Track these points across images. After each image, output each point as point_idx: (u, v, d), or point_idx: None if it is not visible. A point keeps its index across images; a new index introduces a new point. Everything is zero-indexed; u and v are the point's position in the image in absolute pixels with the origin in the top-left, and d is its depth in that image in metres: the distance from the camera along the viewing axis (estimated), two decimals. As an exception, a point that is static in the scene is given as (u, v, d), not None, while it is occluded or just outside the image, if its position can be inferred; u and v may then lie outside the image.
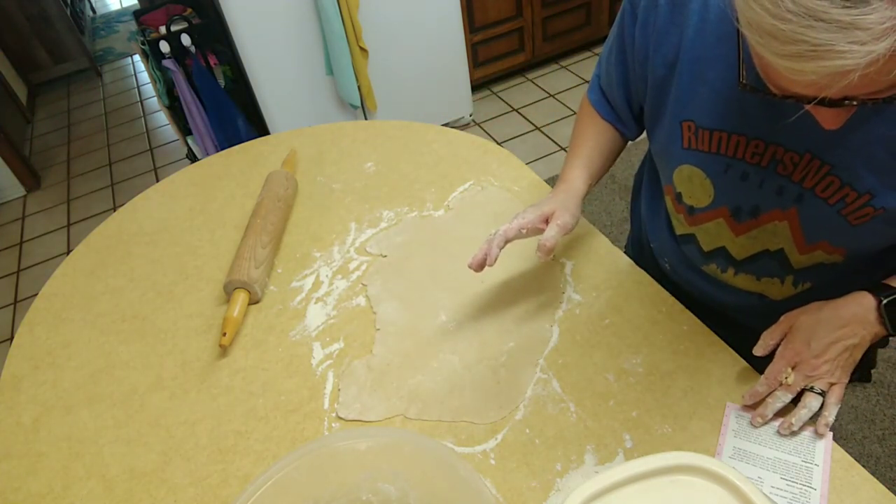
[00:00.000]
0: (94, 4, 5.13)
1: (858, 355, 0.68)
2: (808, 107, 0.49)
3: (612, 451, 0.71)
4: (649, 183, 0.95)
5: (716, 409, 0.73)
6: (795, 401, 0.69)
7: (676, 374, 0.77)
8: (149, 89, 3.75)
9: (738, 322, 0.88)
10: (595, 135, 0.90)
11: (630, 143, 0.93)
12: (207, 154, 2.31)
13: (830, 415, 0.67)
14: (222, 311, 0.96)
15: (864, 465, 0.66)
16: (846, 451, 0.67)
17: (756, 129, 0.67)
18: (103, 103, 3.73)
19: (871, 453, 1.50)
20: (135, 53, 4.20)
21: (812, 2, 0.41)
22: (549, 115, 2.85)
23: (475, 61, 2.87)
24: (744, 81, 0.56)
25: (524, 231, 0.79)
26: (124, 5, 5.05)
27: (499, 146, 1.22)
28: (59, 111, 3.73)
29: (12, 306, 2.43)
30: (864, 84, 0.44)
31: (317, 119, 2.43)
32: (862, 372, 0.88)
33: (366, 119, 2.56)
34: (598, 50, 3.19)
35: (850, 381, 0.70)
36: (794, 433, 0.68)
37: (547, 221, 0.79)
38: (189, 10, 2.40)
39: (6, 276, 2.58)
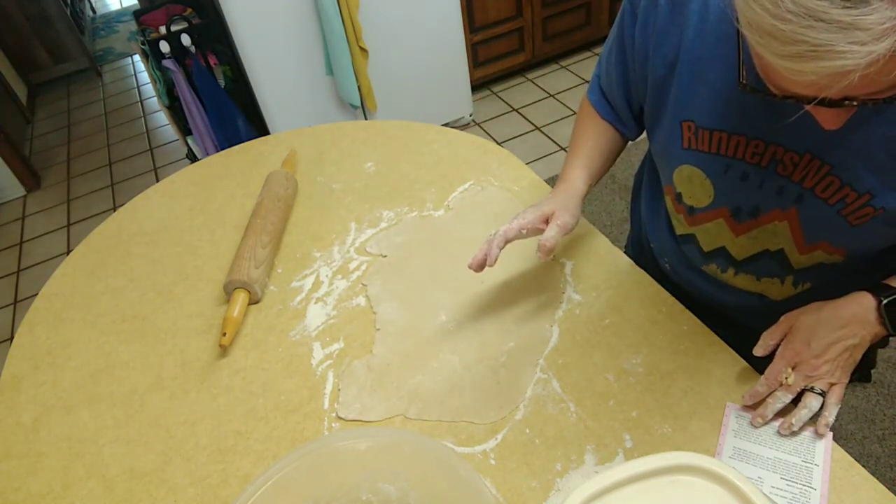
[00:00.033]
0: (94, 4, 5.13)
1: (858, 355, 0.68)
2: (808, 107, 0.49)
3: (612, 451, 0.71)
4: (649, 183, 0.95)
5: (716, 409, 0.73)
6: (795, 401, 0.69)
7: (676, 374, 0.77)
8: (149, 89, 3.75)
9: (738, 322, 0.88)
10: (595, 135, 0.90)
11: (630, 143, 0.93)
12: (207, 154, 2.31)
13: (830, 415, 0.67)
14: (222, 311, 0.96)
15: (864, 465, 0.66)
16: (846, 451, 0.67)
17: (756, 129, 0.67)
18: (103, 103, 3.73)
19: (871, 453, 1.50)
20: (135, 53, 4.20)
21: (812, 2, 0.41)
22: (549, 115, 2.85)
23: (475, 61, 2.87)
24: (744, 82, 0.56)
25: (524, 231, 0.79)
26: (124, 5, 5.05)
27: (499, 146, 1.22)
28: (59, 111, 3.73)
29: (12, 306, 2.43)
30: (864, 84, 0.44)
31: (317, 119, 2.43)
32: (862, 372, 0.88)
33: (366, 119, 2.56)
34: (598, 50, 3.19)
35: (850, 382, 0.70)
36: (794, 433, 0.68)
37: (547, 222, 0.79)
38: (189, 10, 2.40)
39: (6, 276, 2.58)
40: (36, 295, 1.07)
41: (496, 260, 0.77)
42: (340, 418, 0.79)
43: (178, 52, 2.22)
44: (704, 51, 0.68)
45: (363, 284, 0.96)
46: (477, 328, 0.87)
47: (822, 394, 0.67)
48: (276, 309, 0.95)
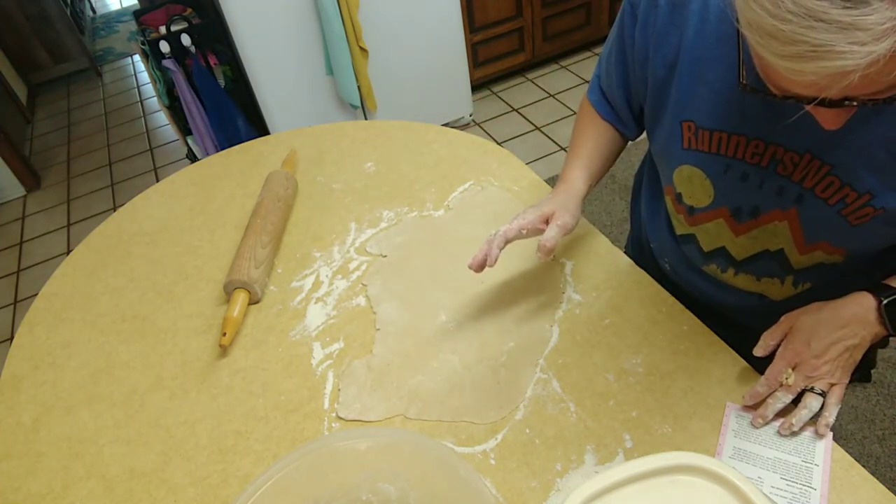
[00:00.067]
0: (94, 4, 5.13)
1: (859, 356, 0.68)
2: (808, 107, 0.49)
3: (612, 451, 0.71)
4: (649, 183, 0.95)
5: (716, 409, 0.73)
6: (796, 401, 0.69)
7: (676, 374, 0.77)
8: (149, 89, 3.75)
9: (738, 322, 0.88)
10: (595, 135, 0.90)
11: (630, 143, 0.93)
12: (207, 154, 2.31)
13: (831, 415, 0.67)
14: (222, 311, 0.96)
15: (864, 465, 0.66)
16: (846, 451, 0.67)
17: (756, 129, 0.67)
18: (103, 103, 3.73)
19: (871, 453, 1.50)
20: (135, 53, 4.20)
21: (812, 2, 0.41)
22: (549, 115, 2.85)
23: (475, 61, 2.87)
24: (744, 82, 0.56)
25: (524, 232, 0.79)
26: (124, 5, 5.05)
27: (499, 146, 1.22)
28: (59, 111, 3.73)
29: (12, 306, 2.43)
30: (864, 85, 0.44)
31: (317, 119, 2.43)
32: (862, 372, 0.88)
33: (366, 119, 2.56)
34: (598, 50, 3.19)
35: (850, 382, 0.70)
36: (794, 433, 0.68)
37: (547, 222, 0.79)
38: (189, 10, 2.40)
39: (6, 276, 2.58)
40: (36, 295, 1.07)
41: (496, 260, 0.77)
42: (340, 418, 0.79)
43: (178, 52, 2.22)
44: (704, 51, 0.68)
45: (363, 284, 0.96)
46: (477, 328, 0.87)
47: (823, 394, 0.67)
48: (276, 309, 0.95)
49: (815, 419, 0.68)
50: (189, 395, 0.85)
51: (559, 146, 2.67)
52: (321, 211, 1.13)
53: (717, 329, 0.81)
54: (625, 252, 0.96)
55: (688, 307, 0.85)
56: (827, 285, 0.75)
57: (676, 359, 0.79)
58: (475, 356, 0.83)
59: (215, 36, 2.32)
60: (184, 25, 2.25)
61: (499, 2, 2.75)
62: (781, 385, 0.69)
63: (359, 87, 2.41)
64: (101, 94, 3.83)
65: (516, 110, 2.92)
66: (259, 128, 2.49)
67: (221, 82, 2.36)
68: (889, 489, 0.63)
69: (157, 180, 2.24)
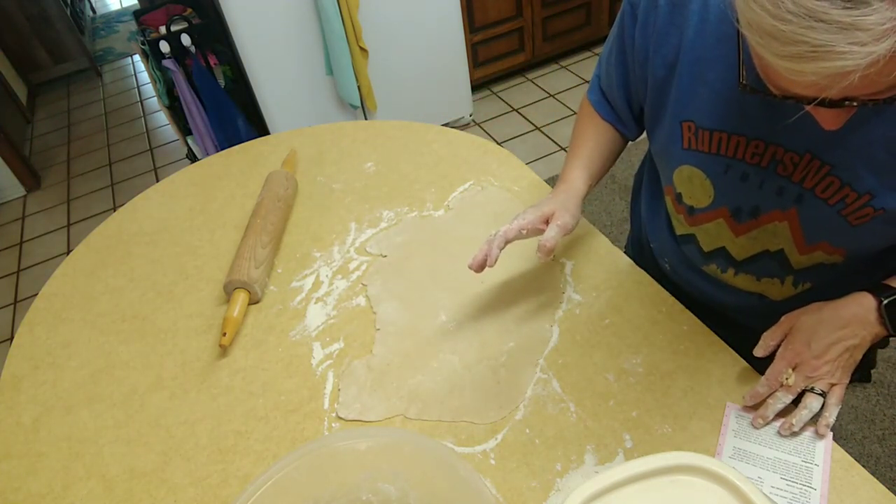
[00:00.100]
0: (94, 4, 5.13)
1: (859, 356, 0.68)
2: (808, 107, 0.49)
3: (612, 451, 0.71)
4: (649, 183, 0.95)
5: (716, 409, 0.73)
6: (796, 401, 0.69)
7: (676, 374, 0.77)
8: (149, 89, 3.75)
9: (738, 322, 0.88)
10: (595, 135, 0.90)
11: (630, 143, 0.93)
12: (207, 154, 2.31)
13: (831, 415, 0.67)
14: (222, 311, 0.96)
15: (864, 465, 0.66)
16: (846, 451, 0.67)
17: (756, 129, 0.67)
18: (103, 103, 3.73)
19: (871, 453, 1.50)
20: (135, 53, 4.20)
21: (812, 3, 0.41)
22: (549, 115, 2.85)
23: (475, 61, 2.87)
24: (744, 82, 0.56)
25: (524, 232, 0.79)
26: (124, 5, 5.05)
27: (499, 146, 1.22)
28: (59, 111, 3.73)
29: (12, 306, 2.43)
30: (864, 85, 0.44)
31: (317, 119, 2.43)
32: (862, 372, 0.88)
33: (366, 119, 2.56)
34: (598, 50, 3.19)
35: (850, 382, 0.70)
36: (794, 434, 0.68)
37: (547, 222, 0.79)
38: (189, 10, 2.40)
39: (6, 276, 2.58)
40: (36, 295, 1.07)
41: (496, 260, 0.77)
42: (340, 418, 0.79)
43: (178, 52, 2.22)
44: (704, 51, 0.68)
45: (363, 284, 0.96)
46: (477, 328, 0.87)
47: (823, 394, 0.67)
48: (276, 309, 0.95)
49: (815, 419, 0.68)
50: (189, 395, 0.85)
51: (559, 146, 2.67)
52: (321, 211, 1.13)
53: (717, 329, 0.81)
54: (625, 252, 0.96)
55: (688, 307, 0.85)
56: (827, 285, 0.75)
57: (676, 359, 0.79)
58: (475, 356, 0.83)
59: (215, 36, 2.32)
60: (184, 25, 2.25)
61: (499, 2, 2.75)
62: (782, 385, 0.69)
63: (359, 87, 2.41)
64: (101, 94, 3.83)
65: (516, 110, 2.92)
66: (259, 128, 2.49)
67: (221, 82, 2.36)
68: (889, 489, 0.63)
69: (157, 180, 2.24)
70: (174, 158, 3.09)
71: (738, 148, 0.69)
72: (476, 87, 2.97)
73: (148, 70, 2.39)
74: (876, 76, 0.43)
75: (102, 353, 0.93)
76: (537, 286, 0.91)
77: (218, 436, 0.79)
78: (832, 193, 0.65)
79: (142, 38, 2.27)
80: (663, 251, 0.92)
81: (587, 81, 2.82)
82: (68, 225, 2.80)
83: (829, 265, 0.74)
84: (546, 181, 1.10)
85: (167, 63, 2.20)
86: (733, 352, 0.78)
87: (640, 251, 1.04)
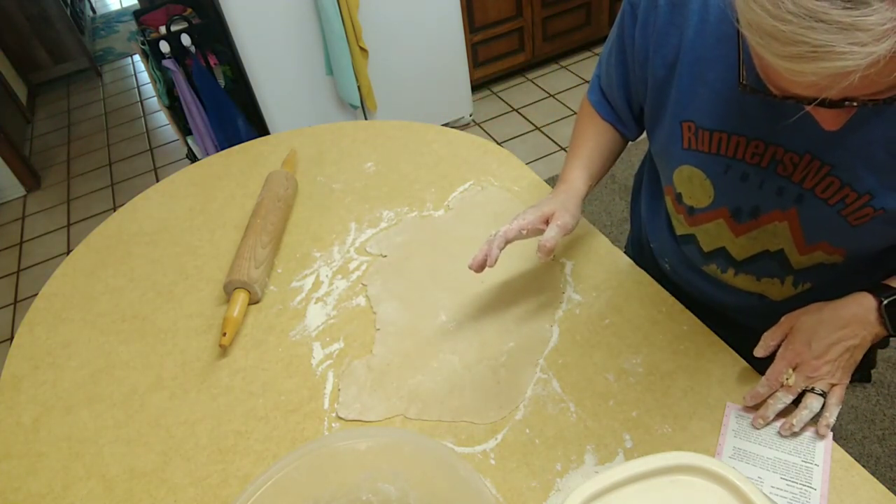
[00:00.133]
0: (94, 4, 5.13)
1: (859, 356, 0.68)
2: (808, 108, 0.49)
3: (612, 451, 0.71)
4: (649, 183, 0.95)
5: (716, 409, 0.73)
6: (796, 401, 0.69)
7: (676, 374, 0.77)
8: (149, 89, 3.75)
9: (738, 322, 0.88)
10: (595, 135, 0.90)
11: (630, 143, 0.94)
12: (207, 154, 2.31)
13: (831, 415, 0.67)
14: (222, 311, 0.96)
15: (864, 465, 0.66)
16: (846, 451, 0.67)
17: (756, 129, 0.67)
18: (103, 103, 3.73)
19: (871, 453, 1.50)
20: (135, 53, 4.20)
21: (812, 3, 0.41)
22: (549, 115, 2.85)
23: (475, 61, 2.87)
24: (744, 82, 0.56)
25: (524, 232, 0.79)
26: (124, 5, 5.05)
27: (499, 146, 1.22)
28: (59, 111, 3.73)
29: (12, 306, 2.43)
30: (864, 85, 0.44)
31: (317, 119, 2.43)
32: (862, 372, 0.88)
33: (366, 119, 2.56)
34: (598, 50, 3.19)
35: (851, 382, 0.70)
36: (795, 434, 0.68)
37: (547, 222, 0.79)
38: (189, 10, 2.40)
39: (6, 276, 2.58)
40: (36, 295, 1.07)
41: (496, 260, 0.77)
42: (340, 418, 0.79)
43: (178, 52, 2.22)
44: (704, 51, 0.68)
45: (363, 284, 0.96)
46: (477, 328, 0.87)
47: (823, 394, 0.67)
48: (276, 309, 0.95)
49: (815, 419, 0.68)
50: (189, 395, 0.85)
51: (559, 146, 2.67)
52: (321, 211, 1.13)
53: (717, 329, 0.81)
54: (625, 252, 0.96)
55: (688, 307, 0.85)
56: (827, 285, 0.75)
57: (676, 359, 0.79)
58: (475, 356, 0.83)
59: (215, 36, 2.32)
60: (184, 25, 2.25)
61: (499, 2, 2.75)
62: (782, 385, 0.69)
63: (359, 87, 2.41)
64: (101, 94, 3.83)
65: (516, 110, 2.92)
66: (259, 128, 2.49)
67: (221, 82, 2.36)
68: (889, 489, 0.63)
69: (157, 180, 2.24)
70: (174, 158, 3.09)
71: (738, 148, 0.69)
72: (476, 87, 2.97)
73: (148, 70, 2.39)
74: (876, 76, 0.43)
75: (102, 353, 0.93)
76: (537, 286, 0.91)
77: (218, 436, 0.79)
78: (832, 194, 0.65)
79: (142, 38, 2.27)
80: (663, 251, 0.92)
81: (587, 81, 2.83)
82: (68, 225, 2.80)
83: (829, 265, 0.74)
84: (546, 181, 1.10)
85: (167, 63, 2.20)
86: (733, 352, 0.78)
87: (640, 251, 1.04)
